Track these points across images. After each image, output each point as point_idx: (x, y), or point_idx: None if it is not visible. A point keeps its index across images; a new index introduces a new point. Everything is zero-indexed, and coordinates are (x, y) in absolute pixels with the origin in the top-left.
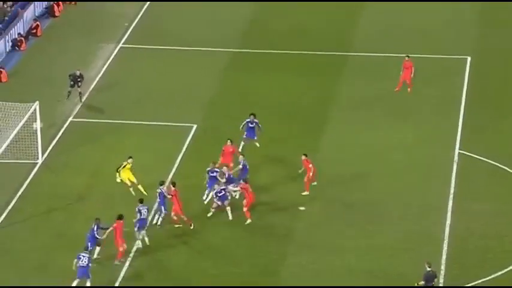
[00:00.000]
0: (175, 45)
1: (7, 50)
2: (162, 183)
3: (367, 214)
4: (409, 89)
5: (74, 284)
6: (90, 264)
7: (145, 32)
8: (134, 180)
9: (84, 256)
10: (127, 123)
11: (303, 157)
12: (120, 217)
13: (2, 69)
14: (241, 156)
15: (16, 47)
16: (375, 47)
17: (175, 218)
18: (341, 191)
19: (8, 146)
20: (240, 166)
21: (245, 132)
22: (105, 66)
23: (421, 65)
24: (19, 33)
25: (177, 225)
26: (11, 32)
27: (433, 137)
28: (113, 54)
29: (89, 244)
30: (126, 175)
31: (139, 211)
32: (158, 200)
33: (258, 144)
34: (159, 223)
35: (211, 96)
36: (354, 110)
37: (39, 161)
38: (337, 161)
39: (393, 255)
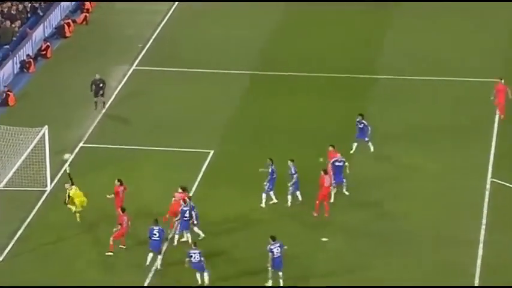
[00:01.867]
0: (190, 68)
1: (15, 71)
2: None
3: (394, 245)
4: (502, 115)
5: (197, 276)
6: (203, 258)
7: (160, 54)
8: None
9: (195, 253)
10: (140, 149)
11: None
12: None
13: (9, 92)
14: (290, 162)
15: (24, 69)
16: (401, 69)
17: (111, 243)
18: (367, 221)
19: (15, 172)
20: (289, 171)
21: (357, 133)
22: (118, 89)
23: (451, 89)
24: (28, 55)
25: (108, 253)
26: (19, 53)
27: (464, 164)
28: (126, 77)
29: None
30: (78, 198)
31: (183, 212)
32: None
33: (372, 148)
34: (190, 241)
35: (228, 121)
36: (380, 136)
37: (48, 189)
38: (364, 190)
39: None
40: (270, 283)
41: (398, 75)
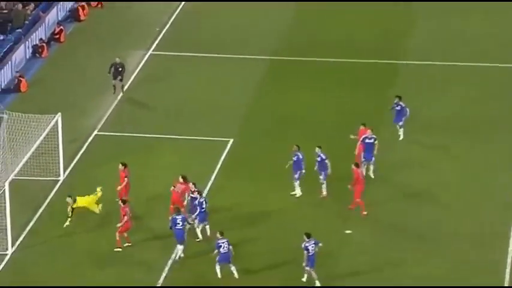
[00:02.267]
0: (209, 52)
1: (27, 56)
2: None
3: (421, 240)
4: None
5: (218, 269)
6: (231, 247)
7: (178, 38)
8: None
9: (223, 242)
10: (157, 137)
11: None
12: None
13: (21, 78)
14: (317, 148)
15: (37, 54)
16: (432, 55)
17: (118, 238)
18: (393, 214)
19: (27, 161)
20: (318, 159)
21: (394, 117)
22: (134, 75)
23: (485, 76)
24: (40, 39)
25: (117, 249)
26: (32, 37)
27: (494, 155)
28: (142, 62)
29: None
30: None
31: (200, 204)
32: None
33: (401, 136)
34: (208, 233)
35: (249, 107)
36: (407, 125)
37: (61, 179)
38: (390, 182)
39: (450, 286)
40: (317, 283)
41: (428, 61)
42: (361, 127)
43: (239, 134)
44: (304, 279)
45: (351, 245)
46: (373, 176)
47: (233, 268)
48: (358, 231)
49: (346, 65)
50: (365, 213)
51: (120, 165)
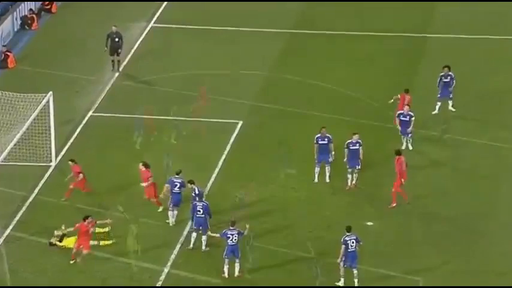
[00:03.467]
0: (216, 25)
1: (15, 29)
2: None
3: (452, 233)
4: None
5: (225, 268)
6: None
7: (181, 9)
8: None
9: (233, 234)
10: (159, 119)
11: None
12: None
13: (9, 53)
14: (355, 136)
15: (26, 26)
16: (459, 28)
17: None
18: (422, 205)
19: (15, 145)
20: (355, 147)
21: (439, 91)
22: (133, 50)
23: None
24: (30, 10)
25: (72, 261)
26: (20, 7)
27: None
28: (143, 36)
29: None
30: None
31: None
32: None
33: (453, 109)
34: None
35: (259, 87)
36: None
37: (53, 164)
38: (421, 169)
39: (486, 281)
40: (341, 282)
41: (455, 34)
42: (404, 93)
43: (249, 115)
44: (355, 283)
45: (371, 237)
46: (411, 148)
47: (237, 264)
48: (381, 222)
49: (369, 38)
50: (394, 205)
51: (70, 162)
